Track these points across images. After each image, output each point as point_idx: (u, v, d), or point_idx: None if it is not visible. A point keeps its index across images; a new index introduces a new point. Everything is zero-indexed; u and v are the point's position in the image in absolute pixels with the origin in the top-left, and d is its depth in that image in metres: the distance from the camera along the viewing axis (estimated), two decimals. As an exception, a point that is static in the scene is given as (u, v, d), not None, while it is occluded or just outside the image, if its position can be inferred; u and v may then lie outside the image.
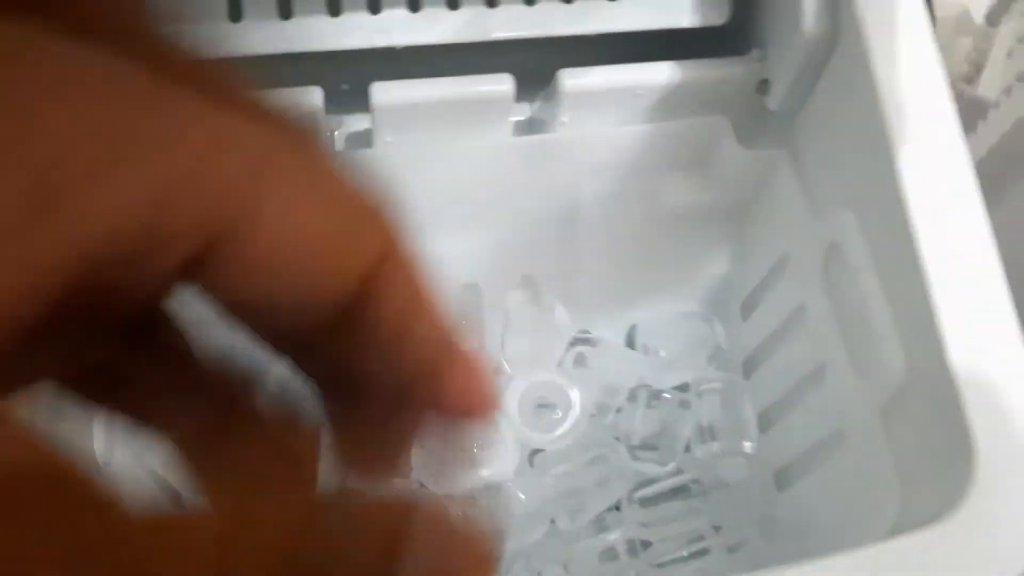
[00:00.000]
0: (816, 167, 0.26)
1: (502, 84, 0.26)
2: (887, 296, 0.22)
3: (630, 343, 0.32)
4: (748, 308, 0.30)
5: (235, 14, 0.24)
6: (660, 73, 0.27)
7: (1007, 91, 0.43)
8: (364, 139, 0.27)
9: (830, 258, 0.25)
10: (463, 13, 0.25)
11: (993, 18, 0.49)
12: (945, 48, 0.56)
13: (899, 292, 0.22)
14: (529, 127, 0.28)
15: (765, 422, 0.29)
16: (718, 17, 0.27)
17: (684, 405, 0.30)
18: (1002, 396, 0.20)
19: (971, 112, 0.46)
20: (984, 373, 0.20)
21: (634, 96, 0.27)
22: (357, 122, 0.27)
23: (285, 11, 0.24)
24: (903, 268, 0.21)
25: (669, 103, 0.27)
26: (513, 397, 0.29)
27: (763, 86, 0.27)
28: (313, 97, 0.25)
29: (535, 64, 0.27)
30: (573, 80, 0.27)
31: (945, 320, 0.20)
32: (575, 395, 0.29)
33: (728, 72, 0.27)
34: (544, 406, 0.29)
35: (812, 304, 0.26)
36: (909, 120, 0.22)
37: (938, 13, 0.60)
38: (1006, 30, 0.47)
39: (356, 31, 0.25)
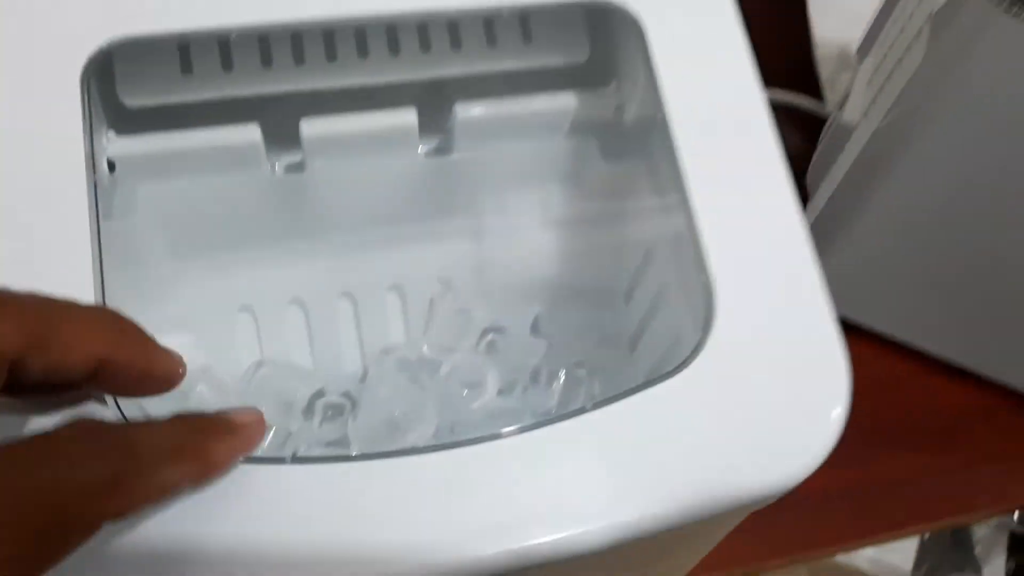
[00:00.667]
0: (665, 176, 0.33)
1: (408, 116, 0.32)
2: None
3: (534, 331, 0.38)
4: (628, 296, 0.36)
5: (186, 67, 0.31)
6: (537, 103, 0.33)
7: (865, 113, 0.50)
8: (298, 167, 0.33)
9: (678, 247, 0.31)
10: (372, 60, 0.32)
11: (861, 53, 0.57)
12: (829, 81, 0.64)
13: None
14: (435, 152, 0.35)
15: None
16: (581, 56, 0.33)
17: (578, 382, 0.35)
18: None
19: (841, 132, 0.53)
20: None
21: (518, 122, 0.33)
22: (291, 154, 0.33)
23: (227, 64, 0.30)
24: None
25: (546, 127, 0.34)
26: (437, 375, 0.35)
27: (619, 111, 0.33)
28: (253, 133, 0.31)
29: (436, 99, 0.33)
30: (466, 112, 0.33)
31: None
32: (489, 374, 0.35)
33: (591, 101, 0.33)
34: (462, 383, 0.35)
35: (670, 284, 0.33)
36: (720, 128, 0.28)
37: (824, 52, 0.68)
38: (867, 63, 0.54)
39: (285, 78, 0.31)
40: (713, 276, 0.26)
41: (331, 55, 0.31)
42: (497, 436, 0.24)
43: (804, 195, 0.55)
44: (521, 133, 0.34)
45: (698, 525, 0.25)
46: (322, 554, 0.22)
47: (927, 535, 1.02)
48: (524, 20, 0.33)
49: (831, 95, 0.62)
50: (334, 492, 0.23)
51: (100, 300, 0.24)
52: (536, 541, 0.23)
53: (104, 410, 0.22)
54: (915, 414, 0.55)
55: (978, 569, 1.09)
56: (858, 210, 0.50)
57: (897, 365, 0.55)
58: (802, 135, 0.60)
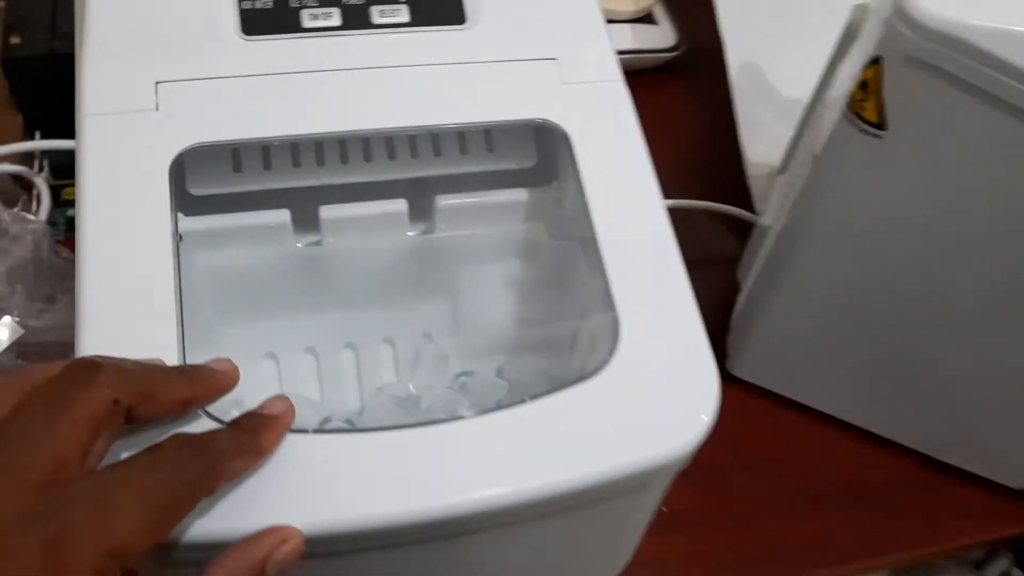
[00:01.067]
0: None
1: (400, 205, 0.43)
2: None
3: (499, 374, 0.47)
4: (571, 344, 0.46)
5: (236, 167, 0.42)
6: (499, 196, 0.44)
7: (776, 217, 0.61)
8: (316, 243, 0.44)
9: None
10: (374, 162, 0.43)
11: (781, 171, 0.68)
12: (761, 195, 0.75)
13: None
14: (421, 232, 0.45)
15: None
16: (530, 161, 0.44)
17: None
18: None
19: (760, 234, 0.64)
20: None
21: (484, 211, 0.44)
22: (311, 234, 0.44)
23: (267, 164, 0.42)
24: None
25: (506, 214, 0.45)
26: (420, 407, 0.44)
27: (559, 203, 0.44)
28: (284, 216, 0.42)
29: (423, 192, 0.44)
30: (445, 202, 0.44)
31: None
32: (460, 405, 0.44)
33: (538, 195, 0.44)
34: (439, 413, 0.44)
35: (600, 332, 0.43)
36: (625, 212, 0.39)
37: (755, 171, 0.79)
38: (782, 178, 0.66)
39: (309, 175, 0.42)
40: (620, 315, 0.37)
41: (344, 158, 0.42)
42: (459, 418, 0.34)
43: (736, 286, 0.65)
44: (487, 219, 0.45)
45: (606, 491, 0.34)
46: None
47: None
48: (488, 135, 0.44)
49: (761, 206, 0.74)
50: (341, 450, 0.32)
51: (181, 341, 0.34)
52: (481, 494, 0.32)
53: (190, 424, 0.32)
54: (834, 478, 0.64)
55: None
56: (771, 299, 0.60)
57: (818, 433, 0.64)
58: (737, 239, 0.71)
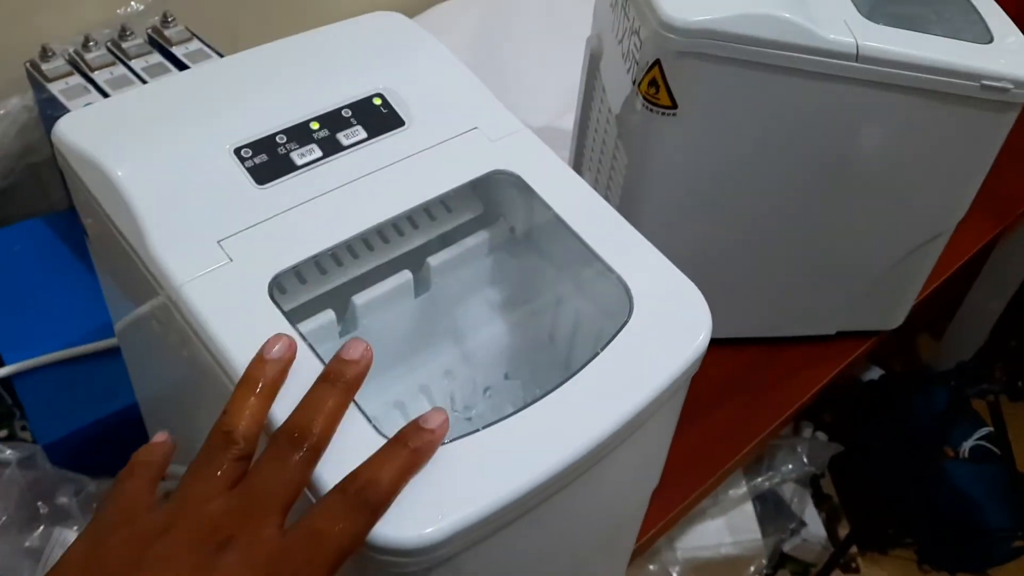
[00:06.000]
0: (547, 266, 0.57)
1: (405, 277, 0.55)
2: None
3: (507, 378, 0.60)
4: (551, 337, 0.60)
5: (301, 279, 0.51)
6: (467, 243, 0.57)
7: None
8: (352, 324, 0.54)
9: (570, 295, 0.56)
10: (376, 250, 0.54)
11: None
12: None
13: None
14: (421, 292, 0.57)
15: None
16: (478, 210, 0.58)
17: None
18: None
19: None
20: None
21: (461, 257, 0.57)
22: (349, 322, 0.54)
23: (322, 271, 0.52)
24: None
25: (476, 254, 0.57)
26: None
27: (512, 231, 0.58)
28: (329, 315, 0.52)
29: (417, 257, 0.56)
30: (434, 261, 0.56)
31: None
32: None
33: (494, 232, 0.58)
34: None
35: (573, 313, 0.57)
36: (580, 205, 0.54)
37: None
38: (585, 177, 0.83)
39: (341, 274, 0.53)
40: (623, 277, 0.51)
41: (370, 247, 0.54)
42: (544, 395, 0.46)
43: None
44: (464, 263, 0.57)
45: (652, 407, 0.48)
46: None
47: (759, 507, 1.30)
48: (445, 202, 0.57)
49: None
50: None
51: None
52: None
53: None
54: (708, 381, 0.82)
55: (803, 521, 1.39)
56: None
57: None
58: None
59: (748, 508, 1.25)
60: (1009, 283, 1.46)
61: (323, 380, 0.43)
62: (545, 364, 0.60)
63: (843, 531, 1.47)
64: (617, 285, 0.51)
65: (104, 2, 0.82)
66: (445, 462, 0.42)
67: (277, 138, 0.52)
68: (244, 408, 0.40)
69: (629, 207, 0.74)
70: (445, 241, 0.57)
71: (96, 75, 0.75)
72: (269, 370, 0.42)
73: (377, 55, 0.58)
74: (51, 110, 0.74)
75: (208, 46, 0.80)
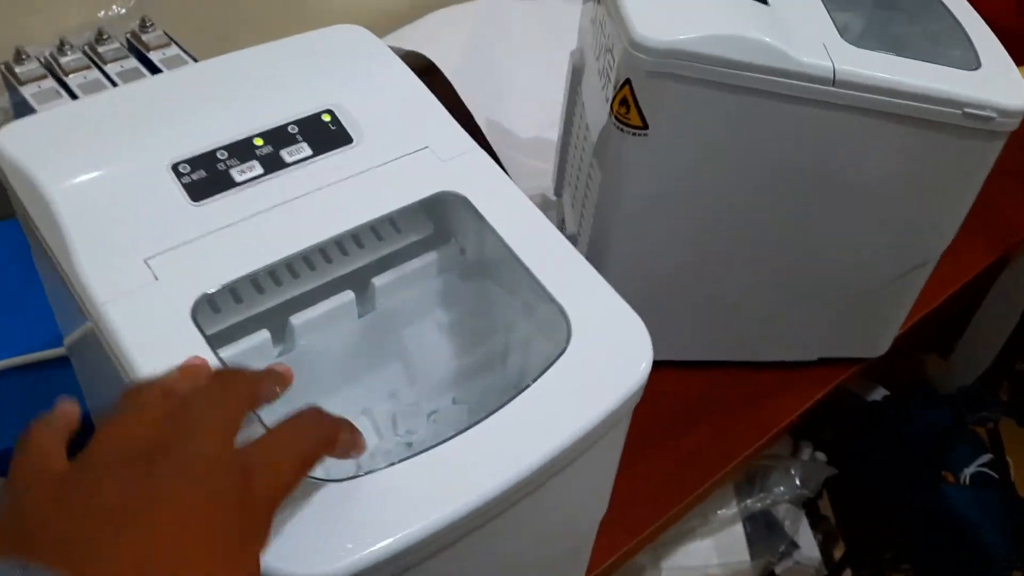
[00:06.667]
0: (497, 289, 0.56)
1: (347, 297, 0.54)
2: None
3: (454, 403, 0.58)
4: (502, 360, 0.59)
5: (237, 299, 0.50)
6: (414, 264, 0.56)
7: (578, 224, 0.77)
8: (290, 344, 0.53)
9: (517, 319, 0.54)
10: (317, 270, 0.53)
11: (558, 193, 0.84)
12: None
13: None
14: (366, 311, 0.56)
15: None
16: (428, 231, 0.56)
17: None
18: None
19: (573, 242, 0.79)
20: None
21: (408, 278, 0.56)
22: (286, 343, 0.53)
23: (259, 289, 0.51)
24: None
25: (424, 275, 0.56)
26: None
27: (463, 252, 0.56)
28: (264, 335, 0.51)
29: (360, 279, 0.55)
30: (379, 282, 0.55)
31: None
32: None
33: (444, 253, 0.56)
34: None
35: (520, 341, 0.55)
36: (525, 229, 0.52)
37: (536, 201, 0.93)
38: (565, 195, 0.82)
39: (280, 294, 0.52)
40: (564, 306, 0.49)
41: (311, 267, 0.53)
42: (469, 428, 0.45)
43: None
44: (411, 284, 0.56)
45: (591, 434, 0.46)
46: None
47: (749, 528, 1.28)
48: (393, 221, 0.56)
49: (557, 223, 0.89)
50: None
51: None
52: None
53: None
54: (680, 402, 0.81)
55: (795, 543, 1.36)
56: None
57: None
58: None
59: (738, 529, 1.23)
60: (1017, 306, 1.43)
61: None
62: (496, 389, 0.58)
63: (839, 553, 1.44)
64: (558, 313, 0.49)
65: (85, 5, 0.82)
66: (356, 496, 0.41)
67: (218, 154, 0.51)
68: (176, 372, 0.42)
69: (602, 225, 0.73)
70: (393, 261, 0.56)
71: (70, 79, 0.75)
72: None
73: (333, 69, 0.57)
74: (25, 113, 0.74)
75: (186, 52, 0.79)
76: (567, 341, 0.48)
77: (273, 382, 0.42)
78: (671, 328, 0.78)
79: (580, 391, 0.47)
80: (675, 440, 0.79)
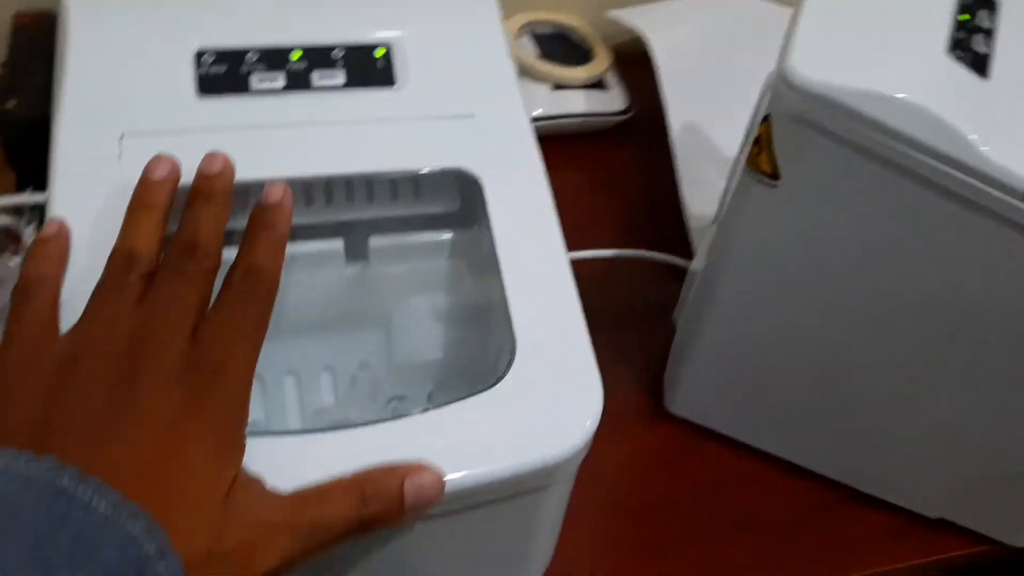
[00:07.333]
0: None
1: (336, 244, 0.49)
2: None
3: (428, 399, 0.52)
4: (492, 368, 0.52)
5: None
6: (424, 237, 0.50)
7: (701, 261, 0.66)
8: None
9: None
10: (315, 207, 0.49)
11: (716, 218, 0.74)
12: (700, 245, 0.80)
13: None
14: (357, 268, 0.51)
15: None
16: (453, 206, 0.50)
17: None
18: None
19: (691, 279, 0.69)
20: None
21: (413, 250, 0.50)
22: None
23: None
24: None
25: (433, 253, 0.50)
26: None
27: (477, 244, 0.50)
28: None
29: (359, 232, 0.50)
30: (377, 242, 0.50)
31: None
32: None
33: (461, 236, 0.50)
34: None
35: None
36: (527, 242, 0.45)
37: (695, 224, 0.85)
38: (712, 227, 0.71)
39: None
40: (516, 334, 0.42)
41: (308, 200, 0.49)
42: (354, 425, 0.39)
43: (672, 328, 0.70)
44: (416, 257, 0.50)
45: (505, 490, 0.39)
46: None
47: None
48: (415, 182, 0.50)
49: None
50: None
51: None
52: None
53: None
54: (757, 508, 0.68)
55: None
56: (697, 337, 0.65)
57: (745, 464, 0.69)
58: (677, 285, 0.76)
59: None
60: None
61: (195, 198, 0.41)
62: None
63: None
64: (508, 340, 0.42)
65: None
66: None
67: (248, 54, 0.48)
68: (139, 228, 0.39)
69: (709, 268, 0.62)
70: (401, 227, 0.50)
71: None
72: (158, 191, 0.41)
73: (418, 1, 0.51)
74: None
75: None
76: (506, 370, 0.41)
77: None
78: (766, 409, 0.66)
79: (492, 435, 0.40)
80: (720, 543, 0.68)
